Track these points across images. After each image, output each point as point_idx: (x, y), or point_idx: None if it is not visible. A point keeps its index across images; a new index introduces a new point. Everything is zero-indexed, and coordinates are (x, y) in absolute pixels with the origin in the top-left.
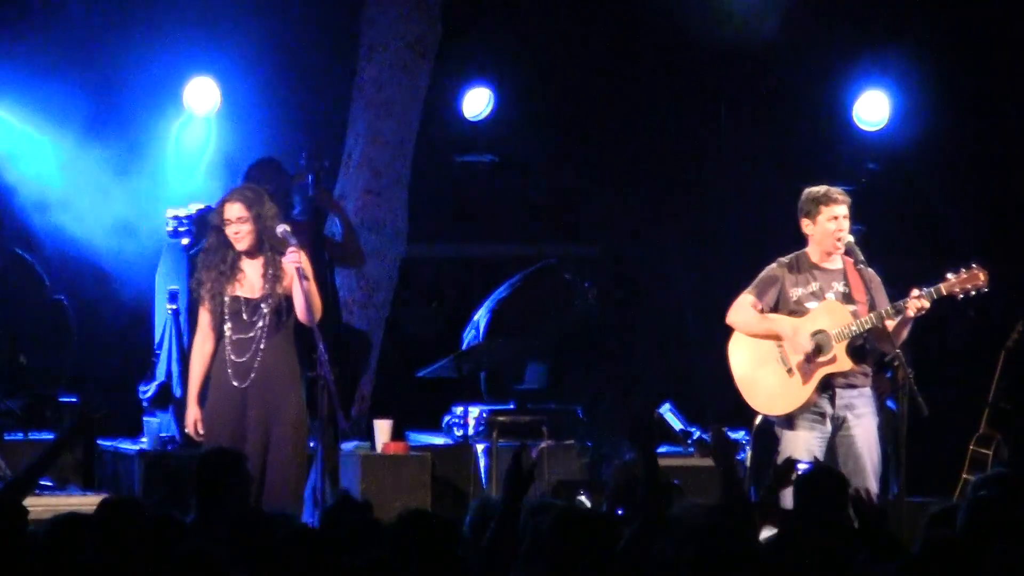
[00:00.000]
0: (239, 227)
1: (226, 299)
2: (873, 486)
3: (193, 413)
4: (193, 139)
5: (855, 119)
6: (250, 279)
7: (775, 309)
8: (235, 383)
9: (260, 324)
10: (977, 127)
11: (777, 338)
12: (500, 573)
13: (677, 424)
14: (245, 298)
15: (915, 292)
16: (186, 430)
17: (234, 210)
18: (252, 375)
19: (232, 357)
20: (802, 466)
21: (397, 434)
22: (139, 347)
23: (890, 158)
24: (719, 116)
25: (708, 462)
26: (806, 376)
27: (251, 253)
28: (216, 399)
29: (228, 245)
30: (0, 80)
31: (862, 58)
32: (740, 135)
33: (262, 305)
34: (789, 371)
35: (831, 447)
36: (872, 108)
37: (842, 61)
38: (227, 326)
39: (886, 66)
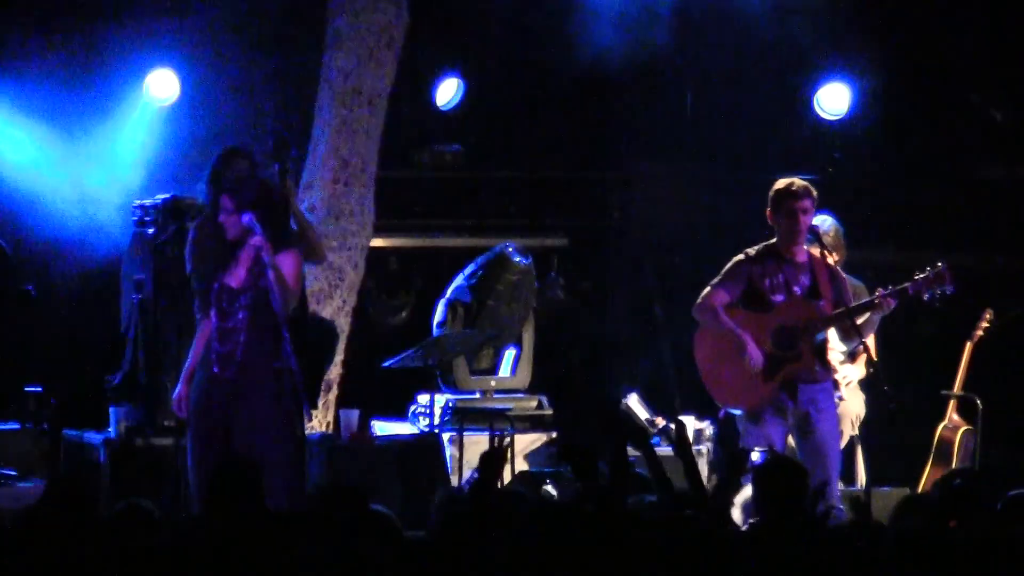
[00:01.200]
0: (225, 218)
1: (215, 286)
2: (834, 480)
3: (179, 391)
4: (155, 129)
5: (816, 109)
6: (238, 270)
7: (743, 299)
8: (216, 370)
9: (240, 315)
10: (938, 118)
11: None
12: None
13: (644, 414)
14: (230, 287)
15: (880, 291)
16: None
17: (224, 201)
18: (233, 366)
19: (216, 345)
20: (755, 455)
21: (363, 424)
22: (104, 337)
23: (850, 149)
24: (684, 107)
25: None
26: (769, 371)
27: (241, 245)
28: (199, 384)
29: (221, 233)
30: None
31: (823, 49)
32: (705, 125)
33: (242, 297)
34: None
35: (793, 440)
36: (833, 99)
37: (803, 52)
38: (213, 312)
39: (847, 57)
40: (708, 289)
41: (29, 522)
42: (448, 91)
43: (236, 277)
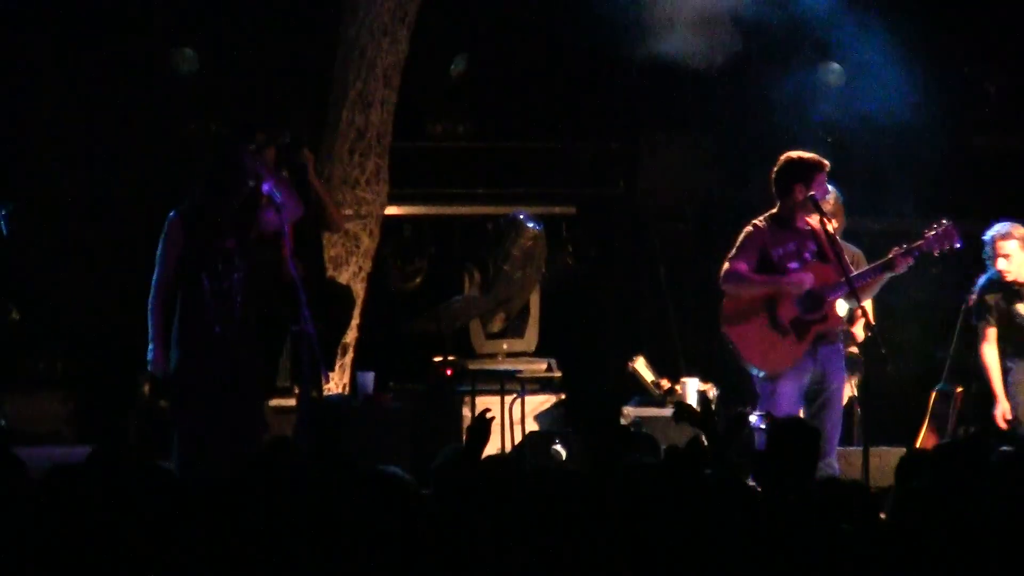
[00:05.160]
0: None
1: (212, 246)
2: (835, 436)
3: (159, 354)
4: (175, 103)
5: (817, 84)
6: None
7: (760, 268)
8: (217, 330)
9: (236, 276)
10: (933, 90)
11: (775, 294)
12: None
13: (649, 377)
14: (225, 249)
15: (897, 250)
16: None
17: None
18: (233, 325)
19: (213, 305)
20: (753, 417)
21: (380, 386)
22: (133, 303)
23: (849, 120)
24: (687, 80)
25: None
26: (800, 333)
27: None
28: (197, 345)
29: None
30: None
31: (822, 26)
32: (709, 97)
33: (236, 259)
34: (783, 329)
35: (806, 400)
36: (832, 72)
37: (802, 29)
38: (204, 275)
39: (844, 34)
40: (727, 263)
41: (70, 482)
42: (459, 64)
43: (233, 239)
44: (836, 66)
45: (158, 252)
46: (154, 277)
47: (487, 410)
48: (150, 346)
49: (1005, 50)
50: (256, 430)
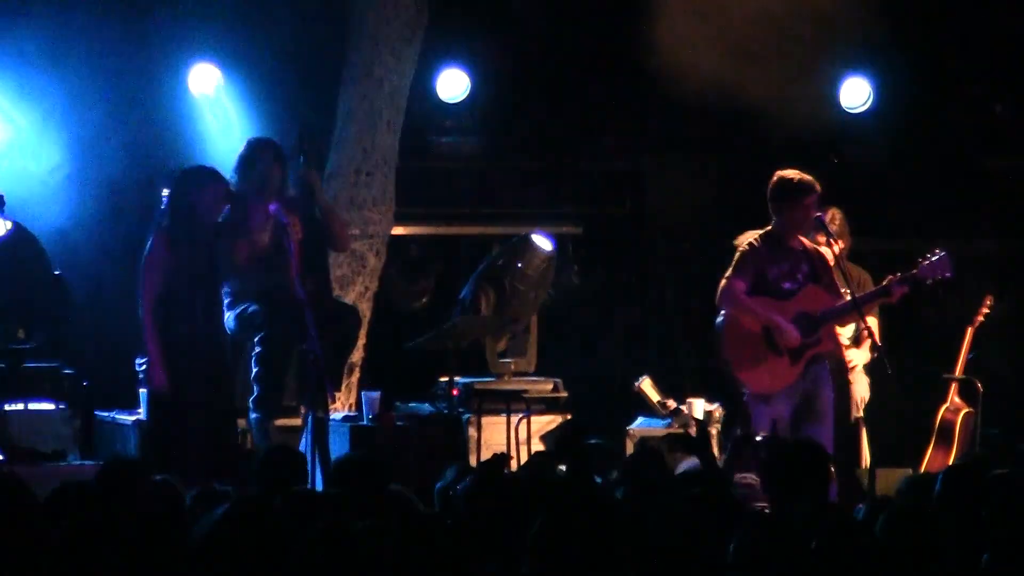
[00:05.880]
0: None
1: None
2: (828, 445)
3: (162, 374)
4: (193, 121)
5: (839, 102)
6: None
7: (754, 286)
8: (204, 355)
9: (227, 299)
10: (942, 111)
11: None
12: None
13: (655, 397)
14: (213, 270)
15: (892, 278)
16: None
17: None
18: (219, 346)
19: (203, 325)
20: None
21: (385, 405)
22: (135, 321)
23: (856, 141)
24: (694, 100)
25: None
26: (794, 356)
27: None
28: (192, 362)
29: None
30: (5, 63)
31: (846, 42)
32: (719, 113)
33: (223, 280)
34: (778, 352)
35: (795, 416)
36: (854, 92)
37: (826, 44)
38: (202, 293)
39: (869, 50)
40: (725, 281)
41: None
42: (458, 84)
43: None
44: (844, 87)
45: (143, 268)
46: (144, 295)
47: (504, 454)
48: (145, 363)
49: (1012, 70)
50: (229, 445)
